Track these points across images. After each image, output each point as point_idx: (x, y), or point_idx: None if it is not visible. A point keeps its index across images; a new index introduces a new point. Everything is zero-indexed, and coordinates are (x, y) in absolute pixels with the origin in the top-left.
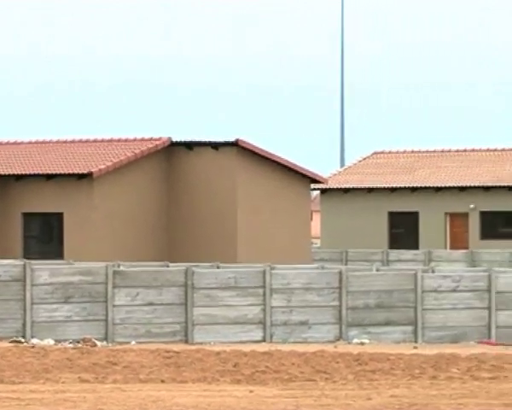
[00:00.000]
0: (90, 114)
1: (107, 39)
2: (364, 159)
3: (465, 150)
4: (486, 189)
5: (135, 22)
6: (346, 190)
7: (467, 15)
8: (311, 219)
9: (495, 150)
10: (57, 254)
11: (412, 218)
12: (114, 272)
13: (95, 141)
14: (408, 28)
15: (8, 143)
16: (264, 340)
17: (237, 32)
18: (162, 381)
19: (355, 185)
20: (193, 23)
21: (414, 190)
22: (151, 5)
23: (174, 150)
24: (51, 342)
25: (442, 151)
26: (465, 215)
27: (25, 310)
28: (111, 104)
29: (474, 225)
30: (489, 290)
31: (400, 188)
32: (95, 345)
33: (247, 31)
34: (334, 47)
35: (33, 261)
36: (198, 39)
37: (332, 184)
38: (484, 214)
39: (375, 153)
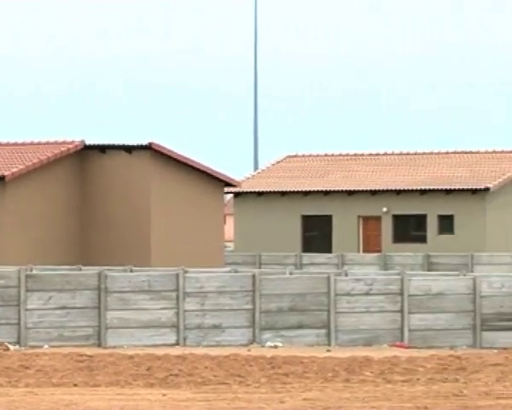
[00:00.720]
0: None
1: None
2: (278, 162)
3: (378, 154)
4: (399, 192)
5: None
6: (260, 194)
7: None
8: (225, 222)
9: (407, 154)
10: None
11: (325, 221)
12: (27, 276)
13: (7, 144)
14: (321, 29)
15: None
16: (177, 343)
17: (149, 32)
18: (75, 385)
19: (268, 189)
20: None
21: (327, 193)
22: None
23: (87, 153)
24: None
25: (355, 155)
26: (378, 219)
27: None
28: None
29: (387, 228)
30: (401, 294)
31: (313, 191)
32: (7, 349)
33: (153, 30)
34: (249, 49)
35: None
36: (104, 37)
37: (245, 188)
38: (396, 218)
39: (289, 156)
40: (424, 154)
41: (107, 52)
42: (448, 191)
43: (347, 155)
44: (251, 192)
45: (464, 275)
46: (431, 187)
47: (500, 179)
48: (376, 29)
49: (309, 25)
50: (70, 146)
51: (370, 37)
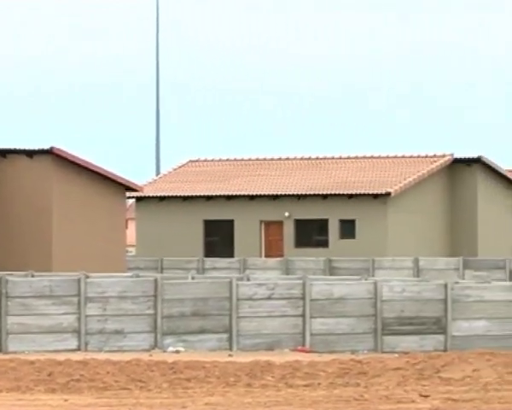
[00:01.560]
0: None
1: None
2: (180, 167)
3: (280, 159)
4: (300, 197)
5: None
6: (162, 198)
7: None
8: (127, 227)
9: (309, 159)
10: None
11: (227, 226)
12: None
13: None
14: (226, 32)
15: None
16: (79, 349)
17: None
18: None
19: (170, 193)
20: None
21: (229, 198)
22: None
23: None
24: None
25: (257, 159)
26: (280, 223)
27: None
28: None
29: (289, 233)
30: (303, 298)
31: (215, 196)
32: None
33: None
34: (151, 53)
35: None
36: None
37: (147, 192)
38: (298, 222)
39: (191, 161)
40: (326, 158)
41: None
42: (350, 196)
43: (249, 159)
44: (153, 197)
45: (365, 279)
46: (333, 192)
47: (401, 184)
48: (284, 31)
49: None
50: None
51: (272, 39)
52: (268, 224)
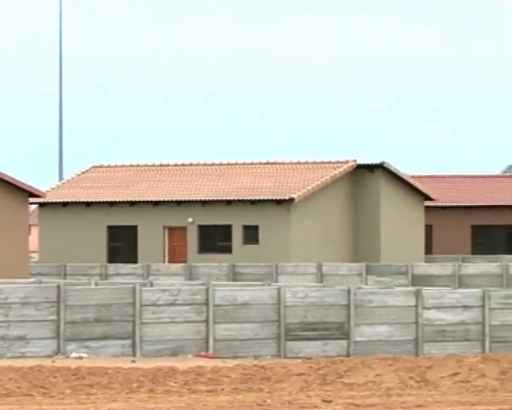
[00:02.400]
0: None
1: None
2: (83, 173)
3: (183, 165)
4: (204, 203)
5: None
6: (65, 204)
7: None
8: (29, 233)
9: (212, 164)
10: None
11: (131, 232)
12: None
13: None
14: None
15: None
16: None
17: None
18: None
19: (73, 199)
20: None
21: (132, 204)
22: None
23: None
24: None
25: (160, 165)
26: (183, 229)
27: None
28: None
29: (193, 238)
30: (207, 304)
31: (119, 202)
32: None
33: None
34: (54, 56)
35: None
36: None
37: (50, 198)
38: (202, 228)
39: (94, 167)
40: (229, 164)
41: None
42: (253, 202)
43: (153, 165)
44: (55, 203)
45: (269, 285)
46: (236, 198)
47: (305, 190)
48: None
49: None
50: None
51: (168, 49)
52: (171, 229)
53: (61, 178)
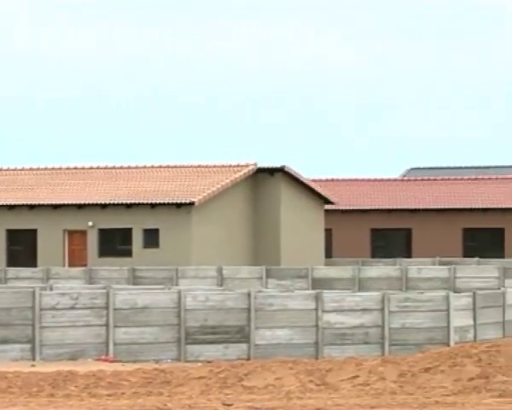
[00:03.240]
0: None
1: None
2: None
3: (83, 168)
4: (104, 206)
5: None
6: None
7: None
8: None
9: (113, 168)
10: None
11: (31, 235)
12: None
13: None
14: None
15: None
16: None
17: None
18: None
19: None
20: None
21: (32, 207)
22: None
23: None
24: None
25: (60, 169)
26: (83, 233)
27: None
28: None
29: (93, 242)
30: (107, 307)
31: (18, 205)
32: None
33: None
34: None
35: None
36: None
37: None
38: (102, 232)
39: None
40: (130, 168)
41: None
42: (153, 205)
43: (53, 168)
44: None
45: (169, 289)
46: (136, 201)
47: (205, 194)
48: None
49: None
50: None
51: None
52: (71, 233)
53: None
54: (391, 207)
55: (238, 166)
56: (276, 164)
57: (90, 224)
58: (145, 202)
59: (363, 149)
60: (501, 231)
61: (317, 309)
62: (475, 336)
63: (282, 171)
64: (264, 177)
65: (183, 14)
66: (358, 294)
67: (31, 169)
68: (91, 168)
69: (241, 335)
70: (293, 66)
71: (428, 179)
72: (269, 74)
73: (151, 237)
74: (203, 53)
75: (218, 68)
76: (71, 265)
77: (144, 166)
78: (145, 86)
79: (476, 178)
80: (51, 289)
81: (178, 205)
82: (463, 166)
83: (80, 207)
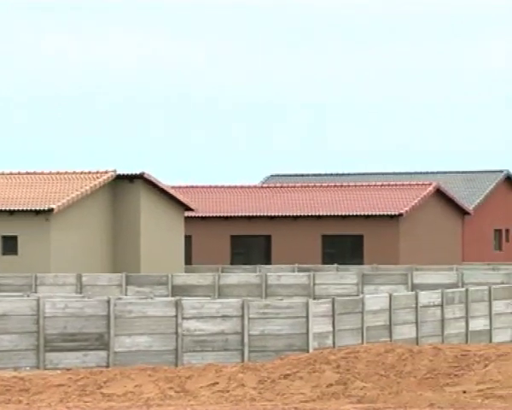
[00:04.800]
0: None
1: None
2: None
3: None
4: None
5: None
6: None
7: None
8: None
9: None
10: None
11: None
12: None
13: None
14: None
15: None
16: None
17: None
18: None
19: None
20: None
21: None
22: None
23: None
24: None
25: None
26: None
27: None
28: None
29: None
30: None
31: None
32: None
33: None
34: None
35: None
36: None
37: None
38: None
39: None
40: (3, 174)
41: None
42: (11, 212)
43: None
44: None
45: (28, 296)
46: None
47: (64, 200)
48: None
49: None
50: None
51: None
52: None
53: None
54: (250, 214)
55: (98, 172)
56: (136, 171)
57: None
58: (3, 208)
59: (224, 155)
60: (360, 238)
61: (176, 316)
62: (334, 343)
63: (141, 178)
64: (123, 184)
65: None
66: (218, 301)
67: None
68: None
69: (101, 342)
70: (151, 72)
71: (288, 186)
72: (128, 80)
73: (9, 244)
74: (67, 56)
75: (77, 74)
76: None
77: (2, 173)
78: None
79: (335, 185)
80: None
81: (37, 212)
82: (323, 173)
83: None
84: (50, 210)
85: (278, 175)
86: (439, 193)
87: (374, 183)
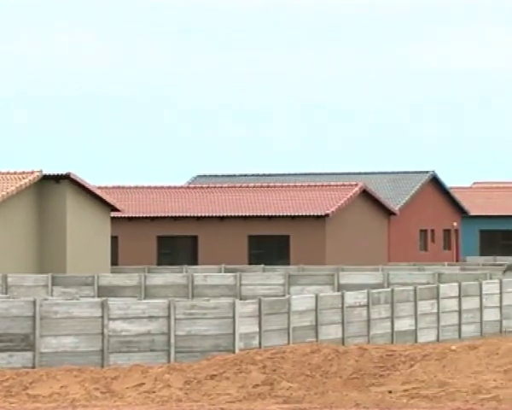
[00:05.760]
0: None
1: None
2: None
3: None
4: None
5: None
6: None
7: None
8: None
9: None
10: None
11: None
12: None
13: None
14: None
15: None
16: None
17: None
18: None
19: None
20: None
21: None
22: None
23: None
24: None
25: None
26: None
27: None
28: None
29: None
30: None
31: None
32: None
33: None
34: None
35: None
36: None
37: None
38: None
39: None
40: None
41: None
42: None
43: None
44: None
45: None
46: None
47: None
48: None
49: None
50: None
51: None
52: None
53: None
54: (177, 214)
55: (24, 173)
56: (62, 171)
57: None
58: None
59: (151, 155)
60: (286, 239)
61: (102, 317)
62: (261, 343)
63: (67, 178)
64: (49, 184)
65: None
66: (144, 301)
67: None
68: None
69: (26, 343)
70: (78, 71)
71: (214, 187)
72: (54, 80)
73: None
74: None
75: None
76: None
77: None
78: None
79: (262, 186)
80: None
81: None
82: (249, 173)
83: None
84: None
85: (205, 175)
86: (365, 194)
87: (300, 183)
